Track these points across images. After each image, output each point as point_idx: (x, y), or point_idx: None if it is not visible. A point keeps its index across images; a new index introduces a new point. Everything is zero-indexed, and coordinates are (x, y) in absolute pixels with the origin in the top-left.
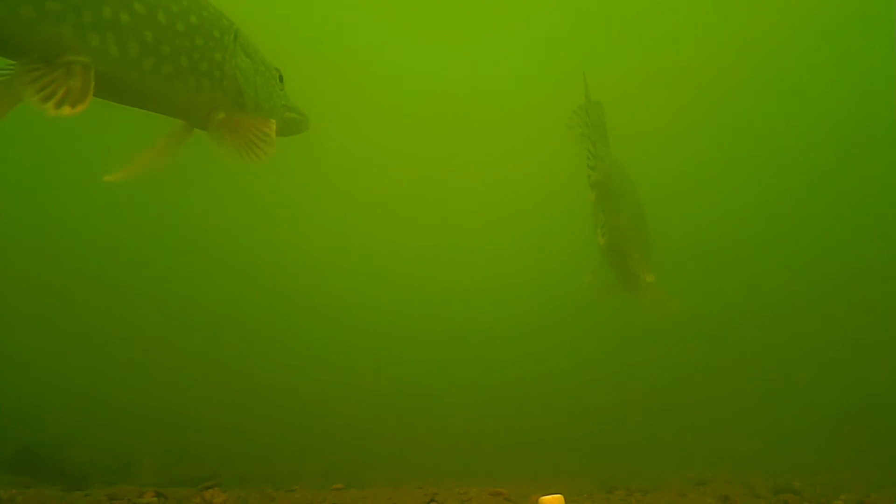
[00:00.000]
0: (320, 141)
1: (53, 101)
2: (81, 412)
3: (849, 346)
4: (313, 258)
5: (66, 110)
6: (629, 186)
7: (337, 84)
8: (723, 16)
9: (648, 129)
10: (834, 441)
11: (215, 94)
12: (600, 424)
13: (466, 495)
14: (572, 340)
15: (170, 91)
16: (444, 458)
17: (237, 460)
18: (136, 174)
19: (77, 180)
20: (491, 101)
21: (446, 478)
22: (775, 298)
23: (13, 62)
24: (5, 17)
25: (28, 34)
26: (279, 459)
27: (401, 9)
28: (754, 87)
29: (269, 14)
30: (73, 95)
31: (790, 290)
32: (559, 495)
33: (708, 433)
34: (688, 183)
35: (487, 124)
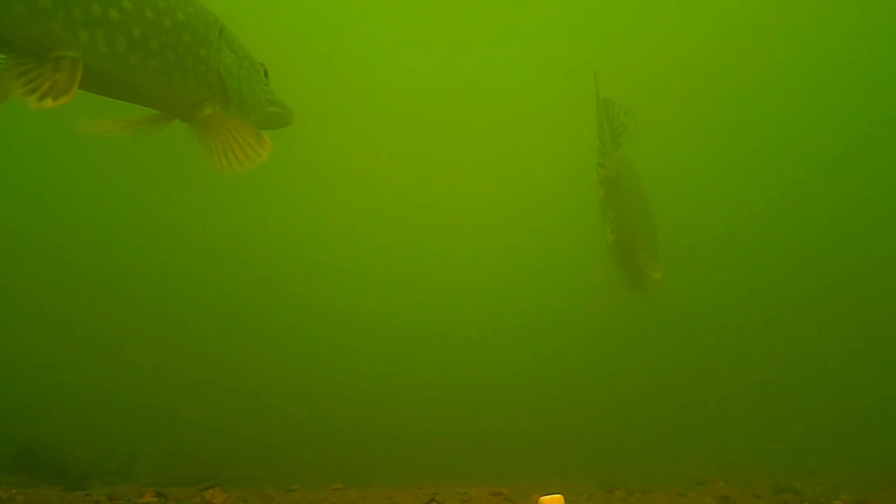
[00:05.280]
0: (321, 141)
1: (36, 95)
2: (81, 412)
3: (849, 346)
4: (314, 259)
5: (48, 102)
6: (637, 184)
7: (338, 84)
8: (726, 15)
9: (655, 127)
10: (834, 441)
11: (200, 88)
12: (600, 424)
13: (466, 495)
14: (573, 340)
15: (156, 85)
16: (444, 458)
17: (237, 460)
18: (106, 132)
19: (77, 179)
20: (494, 99)
21: (446, 478)
22: (776, 298)
23: (3, 56)
24: None
25: (19, 30)
26: (279, 459)
27: (403, 6)
28: (759, 86)
29: (270, 14)
30: (57, 89)
31: (791, 290)
32: (559, 495)
33: (708, 433)
34: (694, 181)
35: (491, 123)
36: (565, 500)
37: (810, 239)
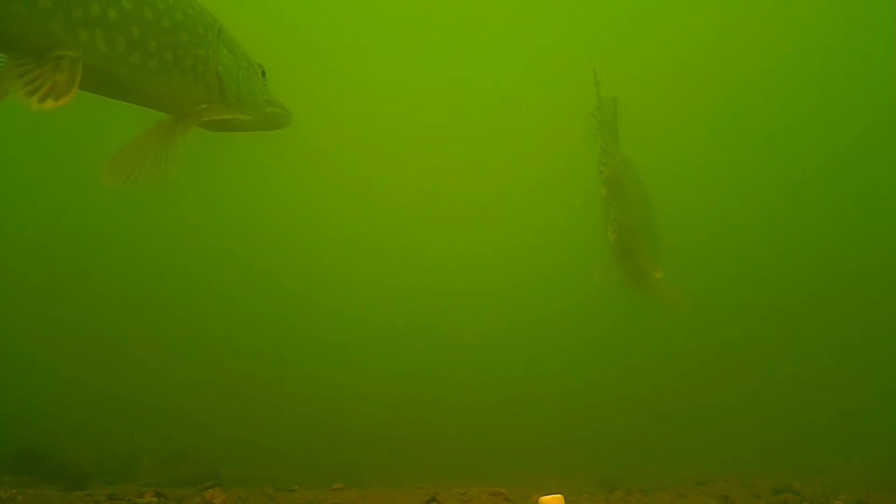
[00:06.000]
0: (319, 141)
1: (38, 95)
2: (81, 412)
3: (849, 346)
4: (314, 259)
5: (49, 103)
6: (639, 183)
7: (336, 84)
8: (728, 14)
9: (656, 126)
10: (834, 441)
11: (198, 88)
12: (600, 424)
13: (466, 495)
14: (573, 341)
15: (155, 85)
16: (444, 458)
17: (237, 460)
18: (134, 175)
19: (76, 178)
20: (494, 98)
21: (446, 478)
22: (776, 298)
23: (4, 56)
24: None
25: (20, 30)
26: (279, 459)
27: (401, 6)
28: (760, 85)
29: (268, 15)
30: (57, 89)
31: (791, 290)
32: (559, 495)
33: (708, 433)
34: (695, 180)
35: (491, 122)
36: (565, 500)
37: (810, 238)
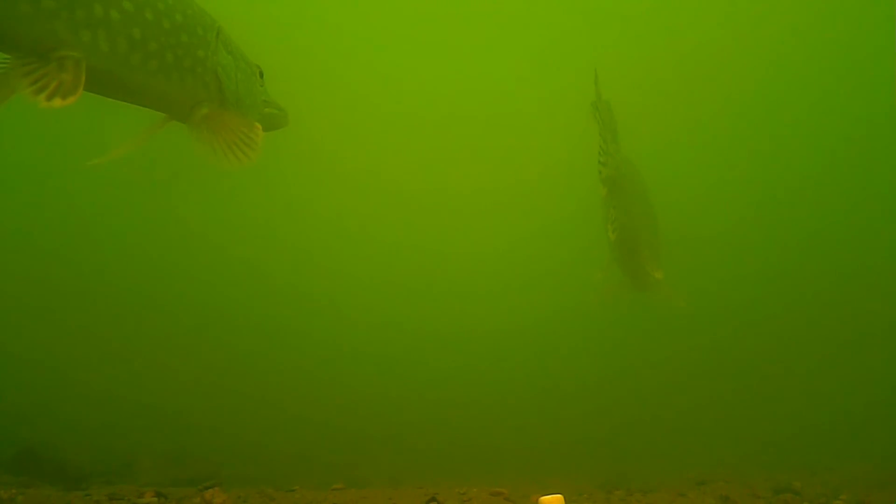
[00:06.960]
0: (318, 142)
1: (45, 94)
2: (81, 412)
3: (849, 346)
4: (314, 259)
5: (57, 102)
6: (639, 183)
7: (334, 85)
8: (728, 14)
9: (656, 126)
10: (834, 441)
11: (197, 88)
12: (601, 424)
13: (466, 495)
14: (573, 341)
15: (155, 85)
16: (444, 458)
17: (237, 460)
18: (115, 157)
19: (77, 179)
20: (494, 98)
21: (446, 478)
22: (776, 298)
23: (8, 56)
24: (3, 14)
25: (24, 30)
26: (279, 459)
27: (400, 4)
28: (760, 85)
29: (263, 14)
30: (64, 88)
31: (791, 290)
32: (559, 495)
33: (708, 433)
34: (696, 180)
35: (491, 122)
36: (565, 500)
37: (811, 238)
